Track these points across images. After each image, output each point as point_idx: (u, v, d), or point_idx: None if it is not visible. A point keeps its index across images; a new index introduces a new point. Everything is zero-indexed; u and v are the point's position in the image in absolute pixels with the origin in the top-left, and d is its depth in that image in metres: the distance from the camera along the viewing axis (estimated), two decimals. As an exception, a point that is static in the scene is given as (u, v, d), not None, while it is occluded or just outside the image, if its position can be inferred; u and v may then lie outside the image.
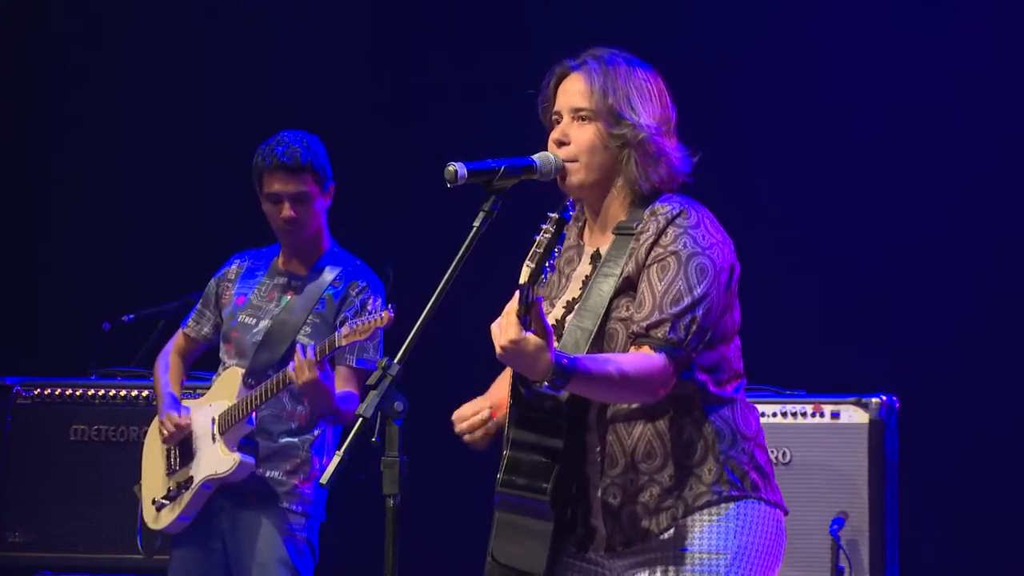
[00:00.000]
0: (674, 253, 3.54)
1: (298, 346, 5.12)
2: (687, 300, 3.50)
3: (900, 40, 6.80)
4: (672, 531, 3.58)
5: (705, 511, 3.58)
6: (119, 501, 5.91)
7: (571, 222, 3.78)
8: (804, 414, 5.75)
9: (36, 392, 6.16)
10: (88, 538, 6.04)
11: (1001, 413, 6.59)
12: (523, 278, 3.32)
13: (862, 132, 6.85)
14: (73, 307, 7.22)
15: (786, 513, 3.71)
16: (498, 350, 3.33)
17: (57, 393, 6.16)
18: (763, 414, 5.70)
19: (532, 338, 3.29)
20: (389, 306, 5.13)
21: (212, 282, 5.57)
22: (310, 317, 5.35)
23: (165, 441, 5.42)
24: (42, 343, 7.17)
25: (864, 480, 5.64)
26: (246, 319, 5.43)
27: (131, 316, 6.50)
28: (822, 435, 5.71)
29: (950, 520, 6.56)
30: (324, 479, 3.38)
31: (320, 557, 5.44)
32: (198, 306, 5.59)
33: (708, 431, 3.59)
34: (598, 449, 3.61)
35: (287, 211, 5.34)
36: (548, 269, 3.38)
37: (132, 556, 5.81)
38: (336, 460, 3.36)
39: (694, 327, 3.50)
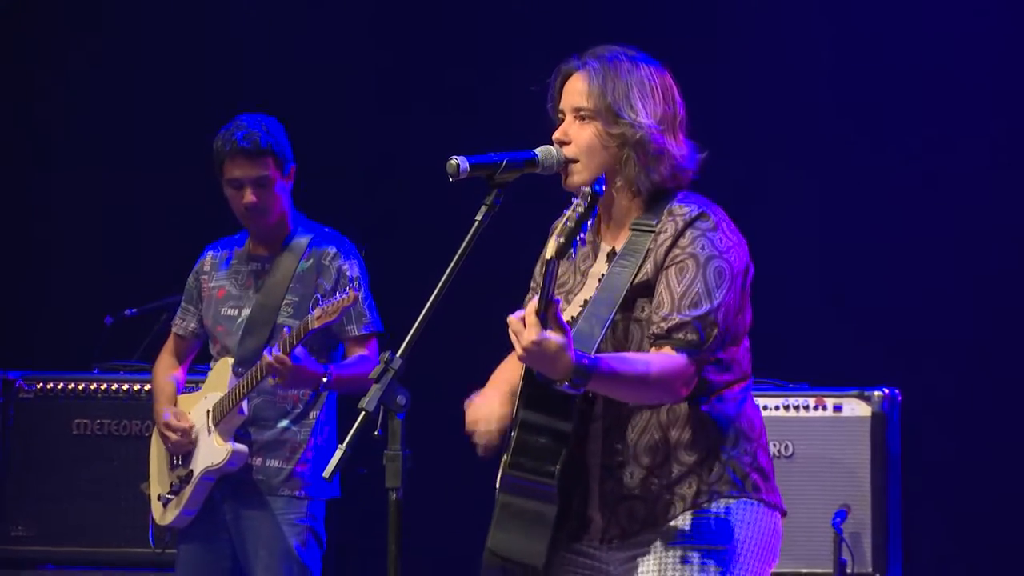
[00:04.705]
0: (692, 256, 3.54)
1: (264, 351, 5.10)
2: (705, 303, 3.50)
3: (904, 37, 6.80)
4: (670, 526, 3.57)
5: (704, 508, 3.57)
6: (121, 495, 5.91)
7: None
8: (807, 407, 5.75)
9: (38, 386, 6.15)
10: (90, 532, 6.03)
11: (1003, 406, 6.59)
12: (549, 252, 3.28)
13: (866, 128, 6.84)
14: (75, 301, 7.22)
15: (784, 515, 3.69)
16: (519, 352, 3.31)
17: (59, 387, 6.15)
18: (766, 407, 5.72)
19: (553, 338, 3.28)
20: (355, 283, 5.13)
21: (190, 278, 5.55)
22: (288, 296, 5.34)
23: (171, 451, 5.41)
24: (44, 337, 7.16)
25: (867, 473, 5.64)
26: (228, 311, 5.42)
27: (133, 310, 6.50)
28: (825, 428, 5.72)
29: (952, 513, 6.55)
30: (327, 473, 3.38)
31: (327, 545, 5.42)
32: (182, 304, 5.58)
33: (712, 431, 3.59)
34: (601, 440, 3.60)
35: (249, 196, 5.30)
36: (579, 243, 3.34)
37: (134, 549, 5.81)
38: (339, 454, 3.36)
39: (714, 331, 3.50)
